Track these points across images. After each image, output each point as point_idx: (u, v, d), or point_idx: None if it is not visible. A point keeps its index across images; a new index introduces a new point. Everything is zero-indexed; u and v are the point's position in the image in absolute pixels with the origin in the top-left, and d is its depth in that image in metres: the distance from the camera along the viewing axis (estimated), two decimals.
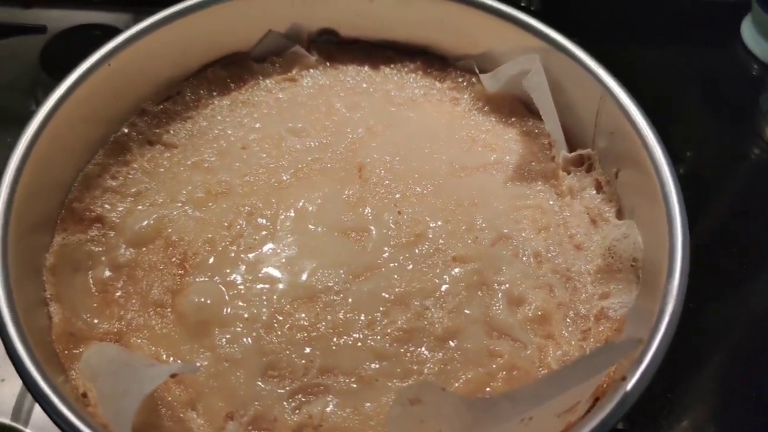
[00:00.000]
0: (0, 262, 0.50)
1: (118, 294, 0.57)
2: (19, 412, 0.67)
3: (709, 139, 0.91)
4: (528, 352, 0.55)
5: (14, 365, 0.46)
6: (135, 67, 0.64)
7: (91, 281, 0.58)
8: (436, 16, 0.69)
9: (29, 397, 0.68)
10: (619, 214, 0.62)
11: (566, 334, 0.56)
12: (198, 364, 0.51)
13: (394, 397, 0.52)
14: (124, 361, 0.47)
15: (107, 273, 0.58)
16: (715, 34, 1.05)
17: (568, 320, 0.57)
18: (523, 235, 0.61)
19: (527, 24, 0.65)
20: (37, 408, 0.67)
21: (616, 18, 1.01)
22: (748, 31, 1.03)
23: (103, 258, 0.59)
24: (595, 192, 0.64)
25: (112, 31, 0.91)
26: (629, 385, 0.45)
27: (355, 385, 0.52)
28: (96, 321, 0.56)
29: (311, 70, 0.72)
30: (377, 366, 0.53)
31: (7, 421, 0.67)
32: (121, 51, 0.62)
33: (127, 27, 0.94)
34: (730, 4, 1.06)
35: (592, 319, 0.57)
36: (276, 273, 0.57)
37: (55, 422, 0.44)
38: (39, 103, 0.88)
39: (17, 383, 0.69)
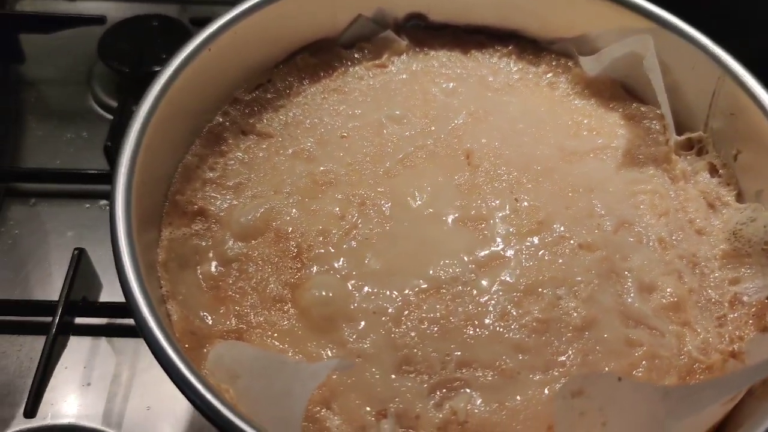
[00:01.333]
0: (130, 261, 0.47)
1: (231, 290, 0.54)
2: (110, 417, 0.64)
3: None
4: (666, 340, 0.53)
5: (163, 366, 0.43)
6: (230, 53, 0.62)
7: (201, 277, 0.55)
8: None
9: (119, 400, 0.65)
10: (740, 198, 0.60)
11: (703, 321, 0.54)
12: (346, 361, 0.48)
13: (539, 390, 0.50)
14: (275, 359, 0.44)
15: (216, 268, 0.56)
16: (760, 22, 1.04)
17: (701, 307, 0.55)
18: (645, 220, 0.59)
19: (632, 3, 0.64)
20: (129, 412, 0.65)
21: None
22: None
23: (211, 253, 0.56)
24: (709, 176, 0.62)
25: (168, 21, 0.90)
26: None
27: (497, 379, 0.50)
28: (213, 318, 0.53)
29: (402, 56, 0.69)
30: (517, 358, 0.51)
31: (98, 426, 0.64)
32: (220, 36, 0.60)
33: (180, 17, 0.94)
34: None
35: (726, 305, 0.55)
36: (398, 263, 0.55)
37: (212, 420, 0.41)
38: (95, 96, 0.87)
39: (103, 386, 0.66)
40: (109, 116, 0.86)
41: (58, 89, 0.89)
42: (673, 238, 0.58)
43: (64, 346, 0.66)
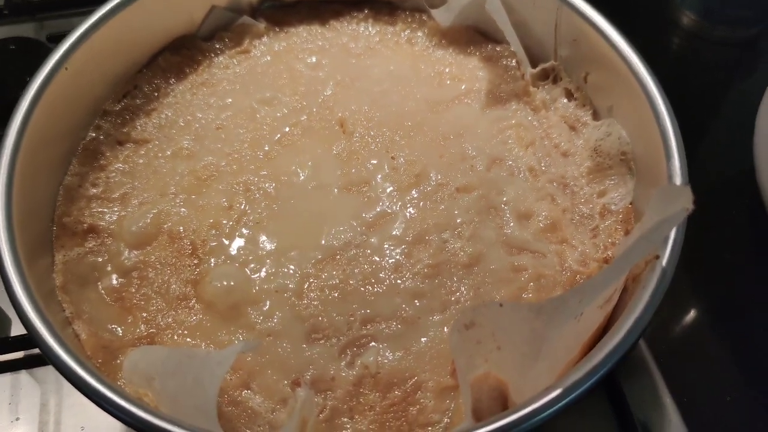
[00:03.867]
0: (23, 292, 0.47)
1: (135, 298, 0.56)
2: None
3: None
4: (548, 259, 0.57)
5: (77, 387, 0.45)
6: (89, 67, 0.62)
7: (103, 292, 0.56)
8: None
9: (51, 428, 0.66)
10: (595, 116, 0.65)
11: (578, 236, 0.59)
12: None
13: (439, 329, 0.53)
14: (183, 354, 0.46)
15: (117, 280, 0.57)
16: None
17: (575, 223, 0.60)
18: (514, 153, 0.63)
19: None
20: None
21: None
22: None
23: (109, 266, 0.57)
24: (566, 100, 0.66)
25: (26, 43, 0.88)
26: (664, 261, 0.48)
27: (400, 328, 0.54)
28: (122, 328, 0.54)
29: (263, 38, 0.71)
30: (415, 305, 0.54)
31: None
32: (75, 51, 0.60)
33: (38, 36, 0.91)
34: None
35: (597, 217, 0.60)
36: (292, 241, 0.57)
37: (136, 427, 0.43)
38: None
39: (33, 417, 0.66)
40: None
41: None
42: (542, 165, 0.62)
43: None
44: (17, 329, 0.70)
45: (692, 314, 0.72)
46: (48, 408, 0.67)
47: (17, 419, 0.66)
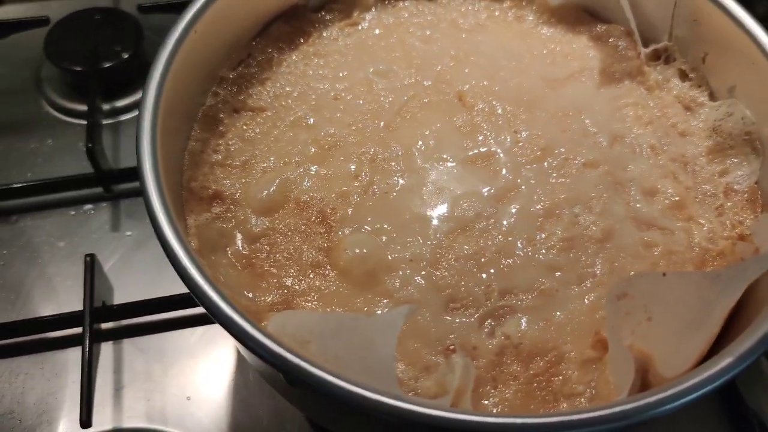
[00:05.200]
0: (181, 248, 0.47)
1: (267, 264, 0.55)
2: (153, 414, 0.65)
3: None
4: (677, 236, 0.57)
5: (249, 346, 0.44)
6: (212, 32, 0.61)
7: (233, 258, 0.56)
8: None
9: (157, 397, 0.66)
10: (712, 97, 0.65)
11: (705, 214, 0.59)
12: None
13: (578, 301, 0.53)
14: (345, 318, 0.46)
15: (245, 246, 0.56)
16: None
17: (699, 201, 0.60)
18: (633, 131, 0.63)
19: None
20: (169, 406, 0.65)
21: None
22: None
23: (236, 233, 0.57)
24: (680, 81, 0.66)
25: (111, 13, 0.87)
26: None
27: (538, 299, 0.53)
28: (256, 294, 0.54)
29: (372, 11, 0.70)
30: (553, 277, 0.54)
31: (144, 425, 0.65)
32: (203, 14, 0.59)
33: (117, 6, 0.91)
34: None
35: (721, 196, 0.60)
36: (421, 211, 0.57)
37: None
38: (49, 100, 0.84)
39: (138, 386, 0.66)
40: (69, 119, 0.84)
41: (8, 100, 0.86)
42: (662, 143, 0.62)
43: (98, 353, 0.65)
44: (120, 297, 0.70)
45: None
46: (152, 377, 0.67)
47: (122, 387, 0.66)
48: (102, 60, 0.80)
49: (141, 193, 0.49)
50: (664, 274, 0.45)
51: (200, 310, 0.61)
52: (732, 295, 0.44)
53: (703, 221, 0.58)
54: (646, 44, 0.68)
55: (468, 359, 0.49)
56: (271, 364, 0.44)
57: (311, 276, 0.55)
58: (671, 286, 0.45)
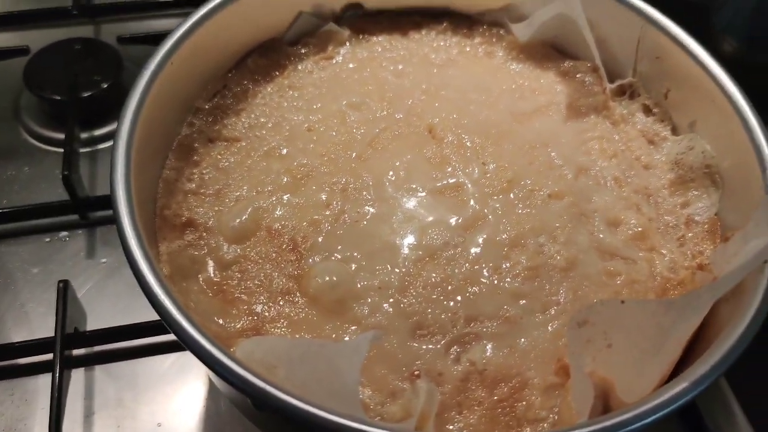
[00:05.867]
0: (150, 273, 0.48)
1: (237, 291, 0.56)
2: None
3: None
4: (639, 266, 0.59)
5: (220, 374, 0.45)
6: (188, 64, 0.63)
7: (204, 285, 0.57)
8: None
9: (128, 423, 0.66)
10: (674, 131, 0.67)
11: (666, 244, 0.60)
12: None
13: (542, 329, 0.55)
14: (312, 344, 0.46)
15: (217, 274, 0.57)
16: None
17: (662, 232, 0.61)
18: (598, 164, 0.64)
19: None
20: None
21: None
22: None
23: (208, 260, 0.58)
24: (644, 116, 0.69)
25: (91, 43, 0.89)
26: None
27: (503, 327, 0.55)
28: (227, 321, 0.55)
29: (346, 46, 0.72)
30: (518, 305, 0.56)
31: None
32: (180, 47, 0.61)
33: (97, 38, 0.92)
34: None
35: (682, 227, 0.62)
36: (391, 239, 0.58)
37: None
38: (28, 129, 0.85)
39: (108, 413, 0.66)
40: (47, 147, 0.85)
41: None
42: (626, 175, 0.64)
43: (69, 379, 0.65)
44: (93, 324, 0.70)
45: None
46: (124, 404, 0.67)
47: (93, 414, 0.66)
48: (81, 89, 0.82)
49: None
50: (622, 302, 0.47)
51: (172, 337, 0.62)
52: (687, 322, 0.46)
53: (664, 251, 0.60)
54: (611, 80, 0.70)
55: (432, 384, 0.50)
56: (238, 388, 0.44)
57: (281, 303, 0.56)
58: (629, 313, 0.47)
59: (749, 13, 0.94)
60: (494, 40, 0.74)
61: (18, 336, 0.70)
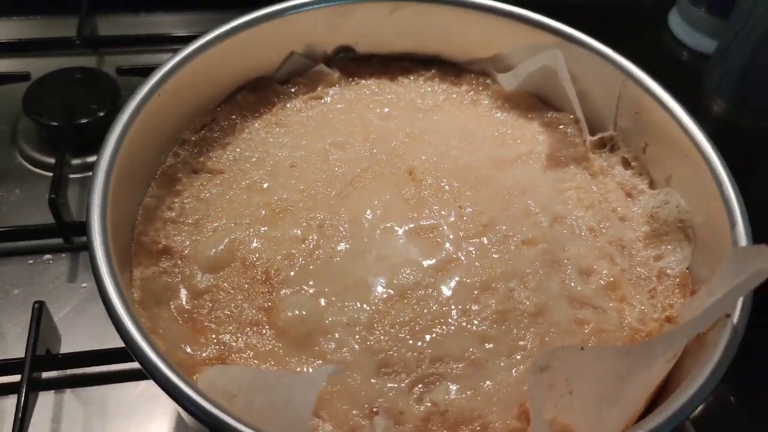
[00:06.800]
0: (118, 297, 0.48)
1: (207, 320, 0.57)
2: None
3: None
4: (609, 315, 0.59)
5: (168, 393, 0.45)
6: (176, 96, 0.64)
7: (175, 312, 0.57)
8: (451, 24, 0.74)
9: None
10: (652, 185, 0.68)
11: (637, 296, 0.61)
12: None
13: (506, 373, 0.55)
14: (271, 374, 0.47)
15: (189, 301, 0.58)
16: (642, 27, 1.17)
17: (633, 283, 0.62)
18: (574, 213, 0.65)
19: (539, 22, 0.71)
20: None
21: None
22: (675, 21, 1.15)
23: (181, 287, 0.58)
24: (623, 168, 0.70)
25: (91, 73, 0.91)
26: (735, 319, 0.50)
27: (468, 369, 0.55)
28: (194, 348, 0.55)
29: (335, 87, 0.74)
30: (484, 348, 0.56)
31: None
32: (168, 79, 0.62)
33: (99, 68, 0.95)
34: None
35: (654, 279, 0.62)
36: (363, 276, 0.59)
37: None
38: (23, 153, 0.86)
39: None
40: (40, 171, 0.86)
41: None
42: (601, 226, 0.65)
43: (34, 403, 0.65)
44: (67, 347, 0.71)
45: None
46: (91, 429, 0.67)
47: None
48: (77, 116, 0.83)
49: None
50: (582, 348, 0.47)
51: None
52: (644, 371, 0.46)
53: (635, 302, 0.60)
54: (593, 132, 0.72)
55: (390, 422, 0.50)
56: (196, 417, 0.45)
57: (249, 334, 0.56)
58: (589, 359, 0.47)
59: (737, 76, 0.96)
60: (480, 88, 0.76)
61: None
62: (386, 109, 0.72)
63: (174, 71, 0.63)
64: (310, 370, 0.54)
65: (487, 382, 0.54)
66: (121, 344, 0.67)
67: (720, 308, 0.48)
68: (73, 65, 0.92)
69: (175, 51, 0.65)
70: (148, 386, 0.70)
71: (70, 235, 0.76)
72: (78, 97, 0.86)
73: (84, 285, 0.76)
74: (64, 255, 0.79)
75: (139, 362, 0.47)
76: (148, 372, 0.46)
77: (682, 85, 1.04)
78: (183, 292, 0.58)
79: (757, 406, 0.74)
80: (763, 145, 0.96)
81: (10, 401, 0.67)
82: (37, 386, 0.65)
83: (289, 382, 0.46)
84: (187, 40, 0.66)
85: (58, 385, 0.69)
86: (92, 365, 0.68)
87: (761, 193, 0.84)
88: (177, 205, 0.63)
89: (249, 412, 0.47)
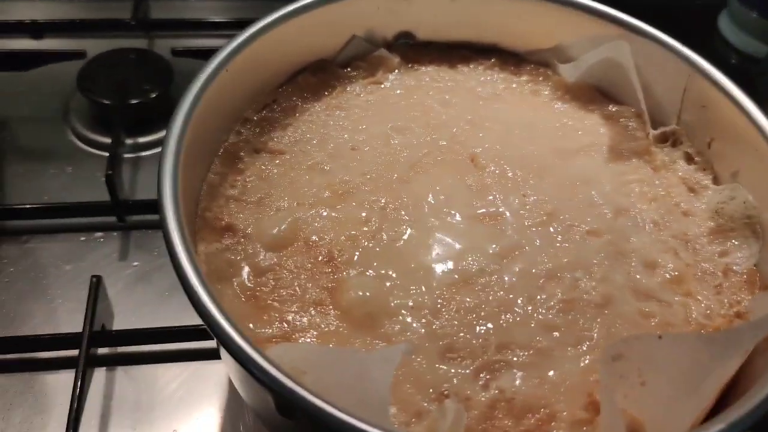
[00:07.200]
0: (194, 273, 0.48)
1: (270, 298, 0.56)
2: None
3: None
4: (674, 309, 0.58)
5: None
6: (241, 74, 0.64)
7: (238, 289, 0.57)
8: (511, 13, 0.73)
9: (144, 428, 0.65)
10: (716, 181, 0.67)
11: (703, 291, 0.60)
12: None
13: (574, 363, 0.54)
14: (343, 352, 0.46)
15: (252, 279, 0.57)
16: (693, 29, 1.15)
17: (699, 278, 0.61)
18: (637, 206, 0.64)
19: (604, 12, 0.70)
20: None
21: None
22: (725, 24, 1.13)
23: (244, 265, 0.58)
24: (686, 164, 0.69)
25: (145, 54, 0.91)
26: None
27: (534, 357, 0.54)
28: (257, 326, 0.55)
29: (395, 72, 0.74)
30: (550, 336, 0.55)
31: None
32: (237, 56, 0.62)
33: (152, 48, 0.95)
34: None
35: (720, 275, 0.61)
36: (426, 261, 0.58)
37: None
38: (75, 131, 0.87)
39: (126, 415, 0.66)
40: (91, 150, 0.87)
41: (35, 126, 0.89)
42: (665, 220, 0.64)
43: (91, 377, 0.65)
44: (119, 324, 0.71)
45: None
46: (141, 407, 0.67)
47: (110, 414, 0.66)
48: (130, 96, 0.84)
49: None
50: (660, 336, 0.46)
51: (195, 345, 0.62)
52: (727, 360, 0.45)
53: (701, 298, 0.59)
54: (655, 126, 0.71)
55: (461, 406, 0.49)
56: (268, 387, 0.44)
57: (312, 313, 0.55)
58: (666, 348, 0.46)
59: None
60: (541, 79, 0.75)
61: (44, 330, 0.70)
62: (446, 96, 0.72)
63: (237, 52, 0.63)
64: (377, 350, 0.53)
65: (554, 371, 0.53)
66: (174, 323, 0.68)
67: None
68: (129, 46, 0.92)
69: (232, 36, 0.65)
70: (199, 367, 0.70)
71: (124, 213, 0.76)
72: (131, 77, 0.86)
73: (135, 263, 0.77)
74: (115, 234, 0.79)
75: (215, 335, 0.46)
76: (221, 341, 0.46)
77: (741, 75, 1.04)
78: (246, 270, 0.58)
79: None
80: None
81: (63, 376, 0.67)
82: (93, 362, 0.65)
83: (363, 359, 0.45)
84: (239, 25, 0.66)
85: (110, 362, 0.69)
86: (147, 343, 0.68)
87: None
88: (239, 183, 0.63)
89: (320, 388, 0.46)
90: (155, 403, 0.67)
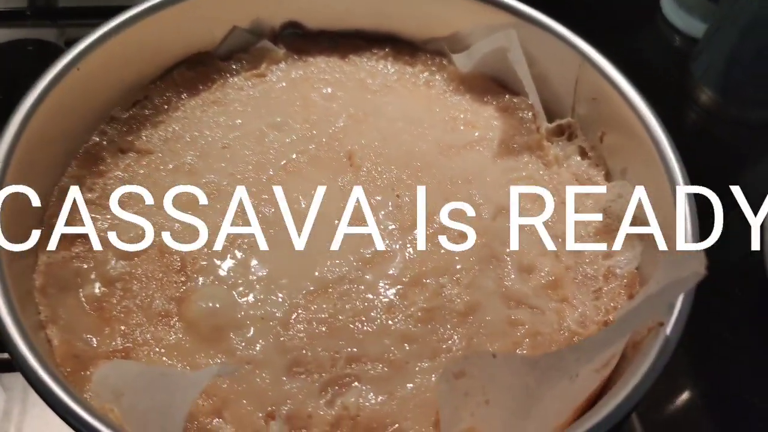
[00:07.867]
0: (0, 288, 0.45)
1: (116, 310, 0.53)
2: None
3: None
4: (547, 317, 0.55)
5: (35, 388, 0.42)
6: (102, 71, 0.61)
7: (84, 299, 0.54)
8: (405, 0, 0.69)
9: None
10: (608, 177, 0.63)
11: (579, 296, 0.57)
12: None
13: (427, 377, 0.51)
14: (156, 372, 0.44)
15: (99, 289, 0.55)
16: (635, 10, 1.11)
17: (578, 283, 0.58)
18: (521, 206, 0.61)
19: (497, 1, 0.66)
20: None
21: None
22: (668, 4, 1.08)
23: (93, 274, 0.55)
24: (580, 158, 0.65)
25: (44, 46, 0.87)
26: (668, 329, 0.46)
27: (386, 371, 0.51)
28: (98, 339, 0.52)
29: (280, 64, 0.70)
30: (405, 349, 0.52)
31: None
32: (90, 53, 0.59)
33: (57, 42, 0.91)
34: None
35: (600, 278, 0.58)
36: (283, 268, 0.55)
37: None
38: None
39: None
40: None
41: None
42: (549, 220, 0.60)
43: None
44: None
45: (687, 395, 0.70)
46: (10, 416, 0.65)
47: None
48: (22, 90, 0.80)
49: None
50: (494, 355, 0.43)
51: None
52: (553, 384, 0.42)
53: (577, 303, 0.56)
54: (551, 119, 0.67)
55: (284, 427, 0.46)
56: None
57: (157, 326, 0.53)
58: (501, 368, 0.43)
59: (723, 64, 0.90)
60: (435, 69, 0.71)
61: None
62: (331, 89, 0.68)
63: (97, 45, 0.60)
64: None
65: (407, 386, 0.51)
66: None
67: (647, 313, 0.43)
68: (29, 37, 0.89)
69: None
70: None
71: None
72: (26, 70, 0.82)
73: None
74: None
75: (17, 367, 0.44)
76: (25, 376, 0.43)
77: (673, 71, 1.00)
78: (94, 280, 0.55)
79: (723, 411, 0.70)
80: (750, 140, 0.91)
81: None
82: None
83: (172, 382, 0.43)
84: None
85: None
86: None
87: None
88: (98, 186, 0.60)
89: (131, 414, 0.44)
90: (26, 412, 0.65)
